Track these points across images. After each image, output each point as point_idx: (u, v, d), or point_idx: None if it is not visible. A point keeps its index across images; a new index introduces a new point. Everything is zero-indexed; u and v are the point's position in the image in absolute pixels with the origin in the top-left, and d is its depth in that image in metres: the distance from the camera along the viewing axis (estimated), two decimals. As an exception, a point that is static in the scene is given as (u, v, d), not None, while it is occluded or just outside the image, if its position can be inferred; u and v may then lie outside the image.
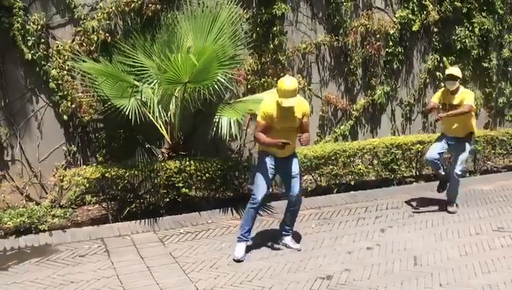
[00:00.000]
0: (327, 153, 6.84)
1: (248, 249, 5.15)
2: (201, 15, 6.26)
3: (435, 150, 6.29)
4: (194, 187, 6.16)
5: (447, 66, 6.49)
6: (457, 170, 6.25)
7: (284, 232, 5.33)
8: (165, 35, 6.31)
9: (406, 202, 6.77)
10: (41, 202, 6.07)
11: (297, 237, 5.47)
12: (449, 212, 6.38)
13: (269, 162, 4.95)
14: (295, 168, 5.07)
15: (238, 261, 4.93)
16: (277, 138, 4.74)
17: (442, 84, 6.39)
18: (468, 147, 6.29)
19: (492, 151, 8.29)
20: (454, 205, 6.48)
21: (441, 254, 5.17)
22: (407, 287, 4.47)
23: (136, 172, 5.86)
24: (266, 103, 4.93)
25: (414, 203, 6.67)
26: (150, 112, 5.98)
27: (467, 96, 6.13)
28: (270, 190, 6.49)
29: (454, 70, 6.21)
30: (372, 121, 8.38)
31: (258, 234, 5.55)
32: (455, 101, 6.16)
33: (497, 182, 7.80)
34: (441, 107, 6.27)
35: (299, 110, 4.86)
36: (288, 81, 4.72)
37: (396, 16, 8.24)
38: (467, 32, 8.75)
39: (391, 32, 8.13)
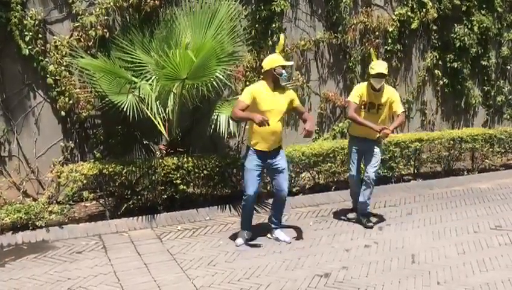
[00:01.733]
0: (325, 151, 6.83)
1: (246, 246, 5.20)
2: (200, 11, 6.23)
3: (357, 166, 5.75)
4: (192, 184, 6.15)
5: (374, 58, 5.65)
6: (374, 174, 5.68)
7: (273, 225, 5.45)
8: (164, 31, 6.28)
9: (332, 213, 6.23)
10: (38, 198, 6.05)
11: (289, 232, 5.51)
12: (367, 226, 5.78)
13: (255, 157, 5.02)
14: (282, 162, 5.15)
15: (238, 246, 5.21)
16: (262, 127, 4.83)
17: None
18: (379, 148, 5.75)
19: (491, 149, 8.29)
20: (371, 215, 5.98)
21: (438, 252, 5.17)
22: (405, 285, 4.47)
23: (133, 169, 5.85)
24: (252, 85, 5.12)
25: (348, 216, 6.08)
26: (147, 109, 5.96)
27: (395, 99, 5.53)
28: (268, 187, 6.55)
29: (383, 67, 5.45)
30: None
31: (256, 231, 5.53)
32: (382, 100, 5.53)
33: (495, 181, 7.81)
34: (363, 107, 5.58)
35: (286, 94, 5.04)
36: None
37: (396, 13, 8.24)
38: (466, 30, 8.75)
39: (390, 29, 8.13)
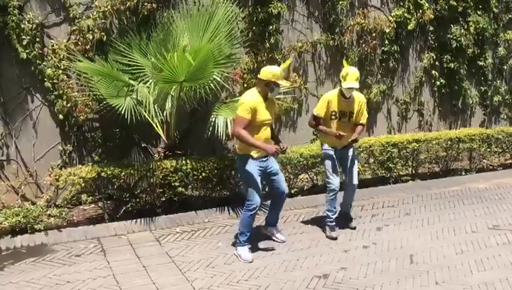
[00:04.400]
0: (323, 152, 6.83)
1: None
2: (197, 14, 6.26)
3: (337, 176, 5.49)
4: (190, 186, 6.16)
5: (345, 65, 5.47)
6: (356, 180, 5.63)
7: (269, 225, 5.48)
8: (161, 34, 6.30)
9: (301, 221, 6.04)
10: (36, 202, 6.04)
11: (288, 234, 5.52)
12: (351, 227, 5.79)
13: (255, 164, 4.93)
14: (275, 165, 5.19)
15: (251, 262, 4.91)
16: (257, 135, 4.83)
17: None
18: (355, 151, 5.69)
19: (488, 149, 8.31)
20: (353, 218, 5.91)
21: (437, 252, 5.18)
22: (403, 286, 4.48)
23: (132, 171, 5.85)
24: (248, 98, 4.83)
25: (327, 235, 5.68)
26: (145, 111, 5.96)
27: (364, 106, 5.43)
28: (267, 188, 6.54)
29: (355, 78, 5.20)
30: (368, 119, 8.33)
31: (254, 233, 5.53)
32: (354, 108, 5.37)
33: (493, 180, 7.83)
34: (333, 117, 5.36)
35: (273, 103, 5.11)
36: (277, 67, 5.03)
37: (392, 14, 8.27)
38: (462, 30, 8.78)
39: (387, 31, 8.15)
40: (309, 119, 5.61)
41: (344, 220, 5.87)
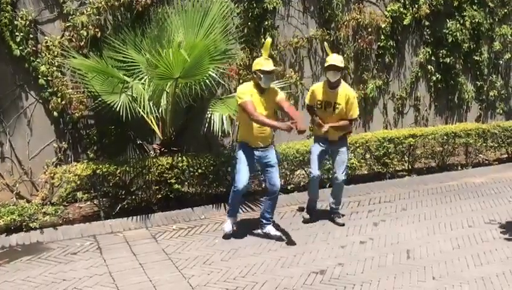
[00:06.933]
0: (320, 148, 6.81)
1: (241, 244, 5.18)
2: (192, 9, 6.21)
3: (317, 165, 5.57)
4: (186, 183, 6.13)
5: (328, 51, 5.48)
6: (342, 175, 5.66)
7: (264, 221, 5.44)
8: (156, 31, 6.25)
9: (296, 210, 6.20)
10: (32, 200, 6.01)
11: (286, 232, 5.51)
12: (338, 224, 5.77)
13: (247, 152, 5.11)
14: (273, 157, 5.24)
15: (226, 235, 5.32)
16: (254, 126, 5.01)
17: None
18: (346, 148, 5.69)
19: (484, 144, 8.31)
20: (341, 215, 5.91)
21: (433, 247, 5.18)
22: (400, 281, 4.48)
23: (127, 168, 5.82)
24: (242, 86, 5.17)
25: (302, 214, 5.94)
26: (140, 108, 5.93)
27: (353, 101, 5.40)
28: (263, 185, 6.53)
29: (338, 60, 5.31)
30: (365, 114, 8.38)
31: (251, 229, 5.53)
32: (338, 100, 5.36)
33: (489, 175, 7.84)
34: (318, 106, 5.48)
35: (272, 94, 5.09)
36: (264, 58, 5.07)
37: (388, 9, 8.25)
38: (458, 25, 8.77)
39: (383, 26, 8.13)
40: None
41: (333, 217, 5.88)
